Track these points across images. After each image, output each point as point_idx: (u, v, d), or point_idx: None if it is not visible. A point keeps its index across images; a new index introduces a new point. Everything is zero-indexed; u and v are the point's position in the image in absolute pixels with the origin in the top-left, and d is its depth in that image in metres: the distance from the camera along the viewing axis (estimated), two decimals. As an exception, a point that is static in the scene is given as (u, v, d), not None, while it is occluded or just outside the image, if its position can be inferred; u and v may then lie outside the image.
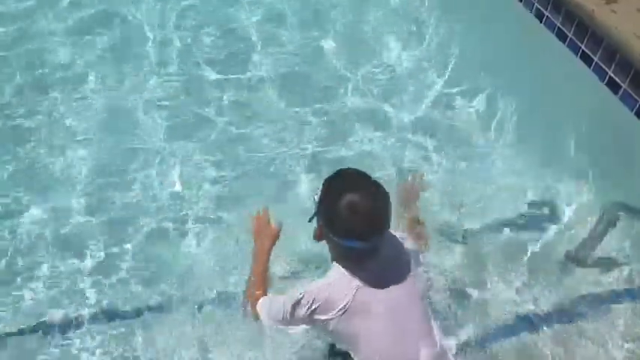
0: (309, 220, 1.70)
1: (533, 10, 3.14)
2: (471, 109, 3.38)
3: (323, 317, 1.67)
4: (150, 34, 3.91)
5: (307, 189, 2.94)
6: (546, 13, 3.04)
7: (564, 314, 2.46)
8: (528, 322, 2.44)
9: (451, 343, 1.95)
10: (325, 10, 4.07)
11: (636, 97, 2.60)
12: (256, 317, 1.86)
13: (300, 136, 3.25)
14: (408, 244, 1.80)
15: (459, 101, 3.42)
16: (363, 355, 1.70)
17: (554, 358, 2.32)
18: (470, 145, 3.17)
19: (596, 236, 2.61)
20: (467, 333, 2.38)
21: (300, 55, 3.75)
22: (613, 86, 2.72)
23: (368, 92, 3.50)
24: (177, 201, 2.95)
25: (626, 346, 2.34)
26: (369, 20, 3.97)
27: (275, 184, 3.01)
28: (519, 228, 2.78)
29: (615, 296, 2.50)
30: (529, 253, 2.66)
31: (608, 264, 2.57)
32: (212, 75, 3.63)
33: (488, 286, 2.54)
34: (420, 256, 1.87)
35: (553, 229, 2.77)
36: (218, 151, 3.19)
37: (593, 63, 2.79)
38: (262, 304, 1.85)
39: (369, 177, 1.64)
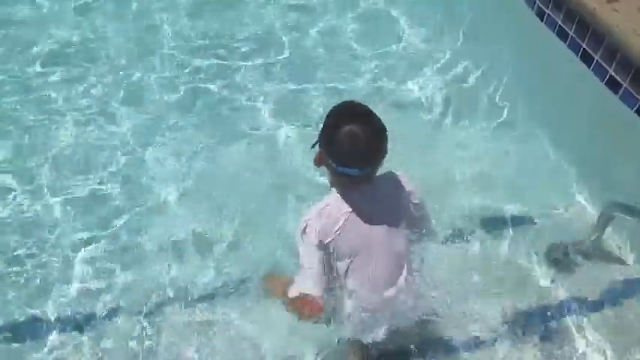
0: (312, 147, 1.82)
1: (535, 9, 3.13)
2: (469, 109, 3.37)
3: (327, 239, 1.82)
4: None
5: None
6: (547, 11, 3.03)
7: (562, 315, 2.45)
8: (526, 323, 2.43)
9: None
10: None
11: (637, 95, 2.59)
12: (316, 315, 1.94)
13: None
14: (409, 186, 1.91)
15: (455, 100, 3.41)
16: (354, 276, 1.87)
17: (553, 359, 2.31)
18: (467, 142, 3.16)
19: (595, 235, 2.59)
20: (463, 334, 2.38)
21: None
22: (613, 85, 2.70)
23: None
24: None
25: (625, 346, 2.33)
26: (364, 20, 4.00)
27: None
28: (517, 227, 2.77)
29: (615, 296, 2.48)
30: (527, 253, 2.65)
31: (607, 263, 2.56)
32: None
33: (484, 286, 2.53)
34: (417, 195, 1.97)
35: (551, 228, 2.75)
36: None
37: (594, 62, 2.78)
38: (297, 281, 1.93)
39: (371, 111, 1.75)
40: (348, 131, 1.68)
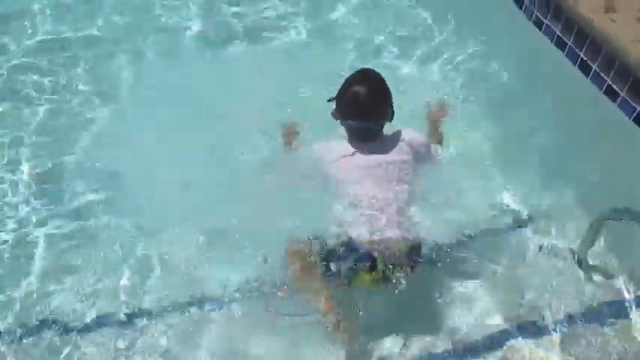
0: (328, 101, 2.23)
1: (533, 18, 3.17)
2: (467, 117, 3.37)
3: (327, 157, 2.22)
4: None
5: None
6: (546, 22, 3.07)
7: (559, 320, 2.44)
8: (523, 328, 2.42)
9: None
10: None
11: (634, 104, 2.62)
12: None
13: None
14: (413, 136, 2.29)
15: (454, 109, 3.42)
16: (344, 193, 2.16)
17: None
18: (466, 149, 3.16)
19: (594, 243, 2.60)
20: (460, 338, 2.37)
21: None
22: (611, 94, 2.74)
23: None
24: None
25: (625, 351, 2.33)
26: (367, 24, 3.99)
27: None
28: (515, 235, 2.76)
29: (612, 302, 2.48)
30: (526, 259, 2.65)
31: (605, 270, 2.57)
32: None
33: (482, 291, 2.53)
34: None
35: (549, 235, 2.75)
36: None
37: (592, 71, 2.81)
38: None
39: (379, 78, 2.18)
40: (351, 92, 2.13)
